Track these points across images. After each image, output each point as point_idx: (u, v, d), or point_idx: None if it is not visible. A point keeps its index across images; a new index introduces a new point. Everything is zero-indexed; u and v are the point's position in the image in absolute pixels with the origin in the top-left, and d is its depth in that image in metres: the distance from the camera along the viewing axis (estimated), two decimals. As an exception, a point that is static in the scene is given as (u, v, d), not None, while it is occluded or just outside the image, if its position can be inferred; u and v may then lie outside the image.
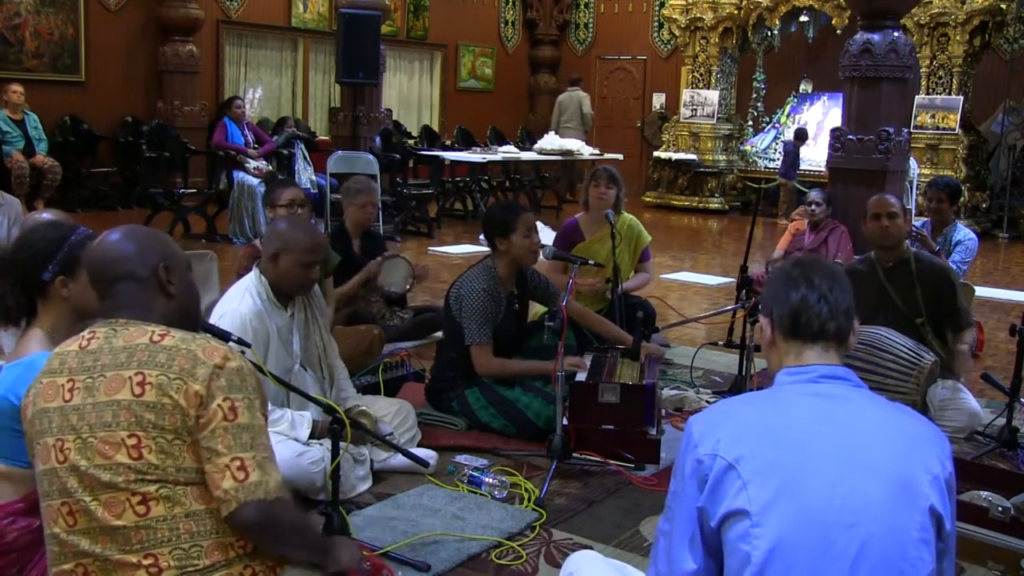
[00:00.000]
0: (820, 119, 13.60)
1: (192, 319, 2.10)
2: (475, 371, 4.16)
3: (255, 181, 9.17)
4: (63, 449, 1.88)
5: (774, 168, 13.52)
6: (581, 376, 4.03)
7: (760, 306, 1.93)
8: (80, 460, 1.85)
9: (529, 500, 3.48)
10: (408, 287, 5.37)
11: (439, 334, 4.86)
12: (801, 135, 12.63)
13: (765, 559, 1.60)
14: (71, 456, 1.86)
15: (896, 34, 6.37)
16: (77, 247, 2.34)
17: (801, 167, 12.64)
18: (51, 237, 2.38)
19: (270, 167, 9.58)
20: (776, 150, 13.80)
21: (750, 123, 14.37)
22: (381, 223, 9.20)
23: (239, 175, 9.28)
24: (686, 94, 14.05)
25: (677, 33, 14.17)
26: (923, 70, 11.95)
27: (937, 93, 12.02)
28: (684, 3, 13.76)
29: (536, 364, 4.19)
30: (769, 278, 1.92)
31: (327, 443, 3.10)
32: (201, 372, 1.86)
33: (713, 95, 13.74)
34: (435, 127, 14.40)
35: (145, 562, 1.84)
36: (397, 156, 10.81)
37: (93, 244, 2.10)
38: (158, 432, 1.84)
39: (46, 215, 3.22)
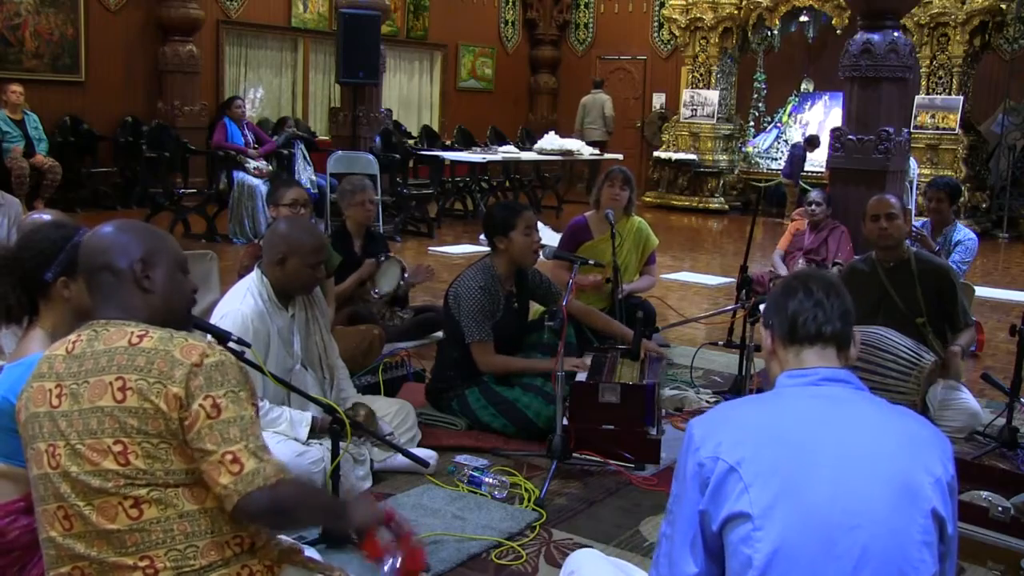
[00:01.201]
0: (821, 119, 13.57)
1: (181, 318, 2.06)
2: (476, 371, 4.16)
3: (255, 181, 9.17)
4: (55, 455, 1.87)
5: (776, 168, 13.49)
6: (581, 376, 4.04)
7: (761, 320, 1.95)
8: (71, 466, 1.85)
9: (529, 500, 3.48)
10: (396, 290, 5.32)
11: (439, 334, 4.86)
12: (813, 142, 12.44)
13: (767, 562, 1.60)
14: (62, 462, 1.86)
15: (896, 34, 6.37)
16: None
17: (804, 169, 12.52)
18: (54, 238, 2.37)
19: (270, 167, 9.58)
20: (779, 150, 13.78)
21: (751, 123, 14.36)
22: (381, 223, 9.21)
23: (239, 175, 9.28)
24: (686, 94, 14.05)
25: (677, 33, 14.16)
26: (923, 70, 11.94)
27: (937, 93, 12.02)
28: (684, 3, 13.76)
29: (539, 362, 4.19)
30: (769, 293, 1.96)
31: (327, 443, 3.10)
32: (179, 373, 1.84)
33: (713, 95, 13.74)
34: (435, 127, 14.38)
35: (141, 564, 1.83)
36: (397, 156, 10.80)
37: (89, 233, 2.07)
38: (143, 437, 1.83)
39: (46, 215, 3.21)
